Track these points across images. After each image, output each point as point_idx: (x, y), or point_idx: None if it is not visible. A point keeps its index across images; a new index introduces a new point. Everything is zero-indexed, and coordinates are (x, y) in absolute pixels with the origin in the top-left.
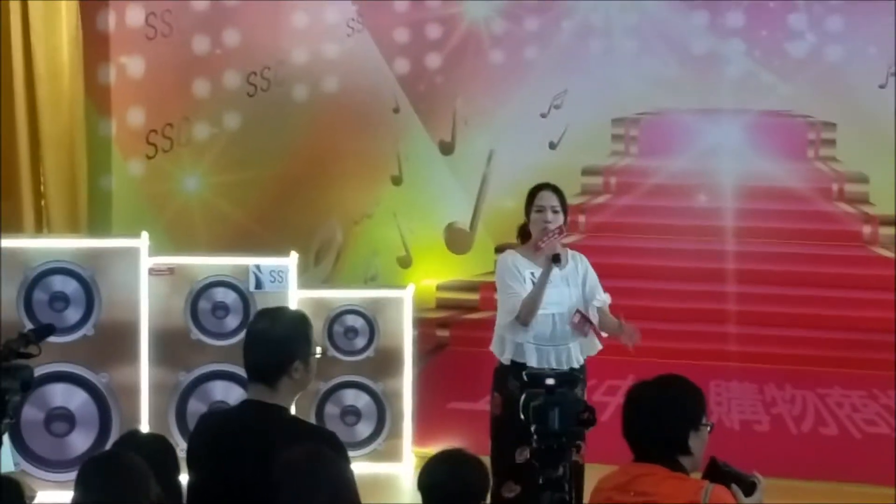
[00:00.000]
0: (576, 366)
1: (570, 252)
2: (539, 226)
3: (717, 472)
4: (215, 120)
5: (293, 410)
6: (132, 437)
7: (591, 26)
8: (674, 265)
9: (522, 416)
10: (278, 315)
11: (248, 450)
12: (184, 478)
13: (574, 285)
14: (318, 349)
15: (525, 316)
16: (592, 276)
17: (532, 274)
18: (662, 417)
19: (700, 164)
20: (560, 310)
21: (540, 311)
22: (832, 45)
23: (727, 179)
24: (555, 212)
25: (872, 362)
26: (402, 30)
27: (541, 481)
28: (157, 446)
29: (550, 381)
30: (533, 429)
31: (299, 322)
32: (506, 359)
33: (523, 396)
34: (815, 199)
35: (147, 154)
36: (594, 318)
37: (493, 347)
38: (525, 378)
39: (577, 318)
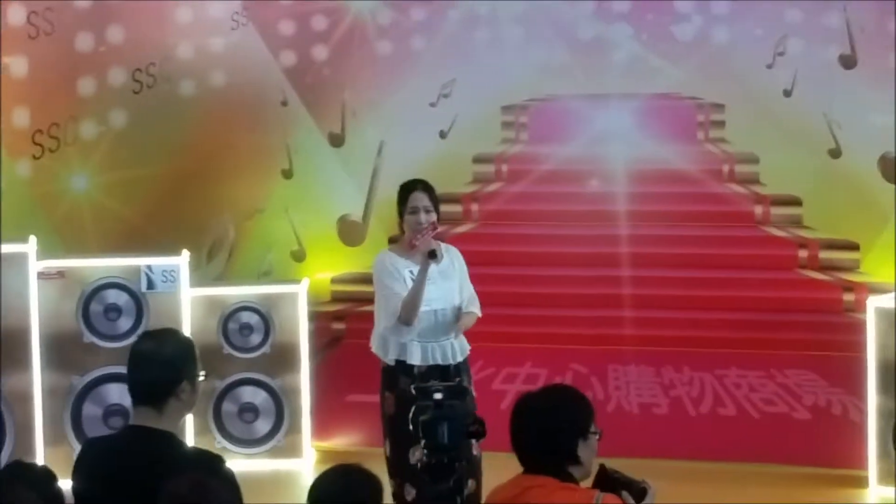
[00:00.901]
0: (460, 359)
1: (443, 246)
2: (413, 226)
3: (607, 480)
4: (102, 118)
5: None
6: (18, 469)
7: (478, 15)
8: (567, 251)
9: (411, 428)
10: (165, 336)
11: (134, 482)
12: None
13: (451, 278)
14: (203, 372)
15: (407, 316)
16: (465, 270)
17: (411, 272)
18: (549, 428)
19: (591, 149)
20: (442, 305)
21: (423, 308)
22: (719, 27)
23: (618, 164)
24: (427, 211)
25: (768, 342)
26: (288, 22)
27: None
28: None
29: (439, 395)
30: (422, 443)
31: (186, 343)
32: (390, 359)
33: (412, 409)
34: (707, 181)
35: (34, 154)
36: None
37: (375, 349)
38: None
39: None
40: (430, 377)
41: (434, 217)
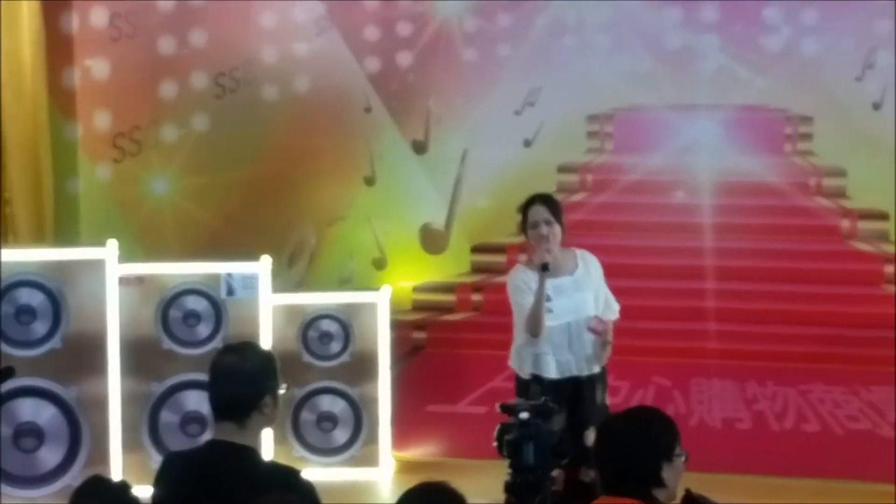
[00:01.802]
0: (596, 370)
1: (578, 254)
2: (535, 240)
3: None
4: (183, 122)
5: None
6: (96, 484)
7: (564, 22)
8: (652, 263)
9: (496, 446)
10: (246, 350)
11: (214, 497)
12: None
13: (587, 289)
14: (284, 384)
15: (532, 329)
16: (602, 277)
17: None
18: (634, 451)
19: (676, 159)
20: (575, 317)
21: (554, 322)
22: (807, 39)
23: (704, 175)
24: (548, 223)
25: (854, 358)
26: (373, 28)
27: None
28: (121, 496)
29: (524, 415)
30: (508, 463)
31: (268, 357)
32: (525, 373)
33: (497, 427)
34: (793, 194)
35: (114, 158)
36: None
37: (512, 363)
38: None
39: (593, 323)
40: (562, 390)
41: (557, 228)
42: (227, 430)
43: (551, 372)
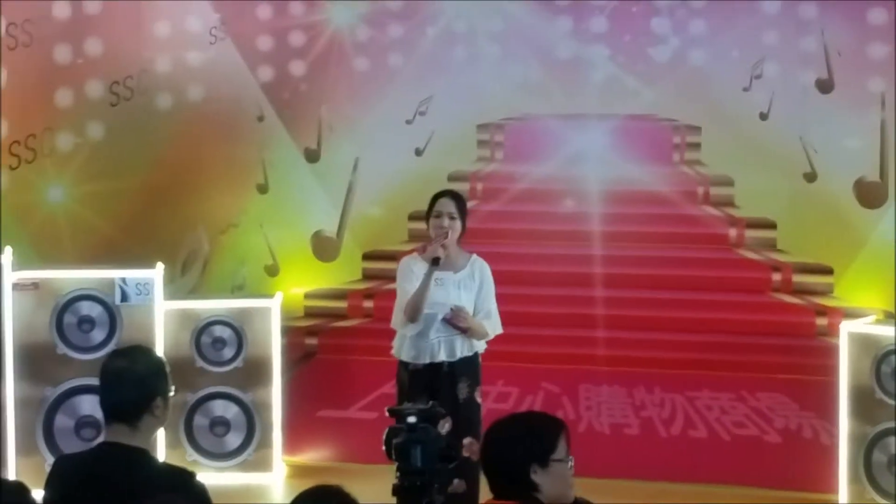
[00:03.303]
0: (444, 358)
1: (473, 258)
2: (434, 229)
3: None
4: (79, 130)
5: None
6: None
7: (455, 32)
8: (541, 270)
9: (384, 449)
10: (135, 353)
11: (107, 498)
12: None
13: (466, 289)
14: (173, 387)
15: (410, 312)
16: (488, 286)
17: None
18: (504, 454)
19: (566, 169)
20: (444, 311)
21: (425, 310)
22: (695, 49)
23: (593, 184)
24: (451, 218)
25: (740, 365)
26: (266, 37)
27: None
28: (15, 498)
29: (412, 419)
30: (396, 466)
31: (158, 360)
32: (395, 353)
33: (386, 431)
34: (681, 203)
35: (10, 165)
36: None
37: (394, 341)
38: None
39: (449, 315)
40: (423, 375)
41: (458, 224)
42: (118, 433)
43: (407, 354)
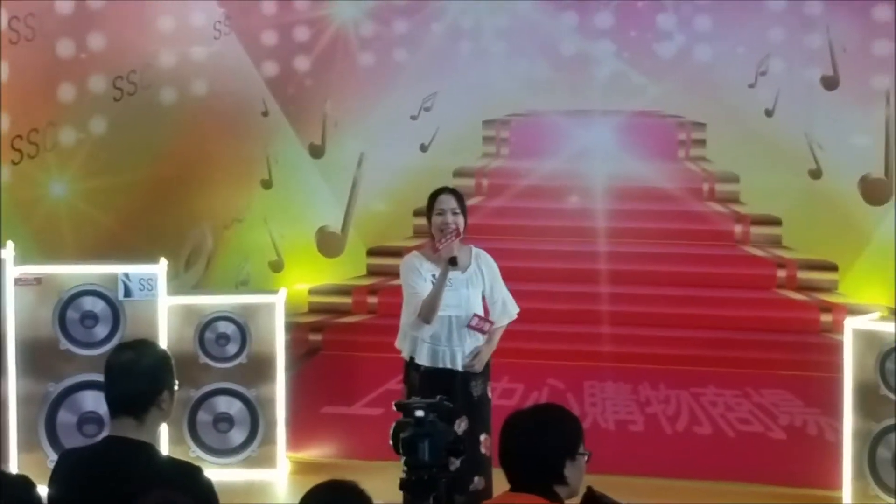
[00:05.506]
0: (476, 369)
1: (473, 252)
2: (439, 227)
3: (593, 502)
4: (82, 125)
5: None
6: None
7: (461, 28)
8: (546, 266)
9: (392, 444)
10: (141, 347)
11: (112, 493)
12: None
13: (474, 286)
14: (176, 381)
15: (426, 315)
16: (495, 276)
17: (433, 276)
18: (537, 446)
19: (571, 165)
20: (457, 312)
21: (438, 313)
22: (701, 45)
23: (598, 180)
24: (454, 214)
25: (745, 361)
26: (270, 32)
27: None
28: (19, 491)
29: (420, 413)
30: (403, 460)
31: (163, 353)
32: (406, 355)
33: (393, 425)
34: (686, 199)
35: (12, 160)
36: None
37: (398, 343)
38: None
39: (474, 322)
40: (436, 379)
41: (461, 220)
42: (124, 426)
43: (423, 360)
